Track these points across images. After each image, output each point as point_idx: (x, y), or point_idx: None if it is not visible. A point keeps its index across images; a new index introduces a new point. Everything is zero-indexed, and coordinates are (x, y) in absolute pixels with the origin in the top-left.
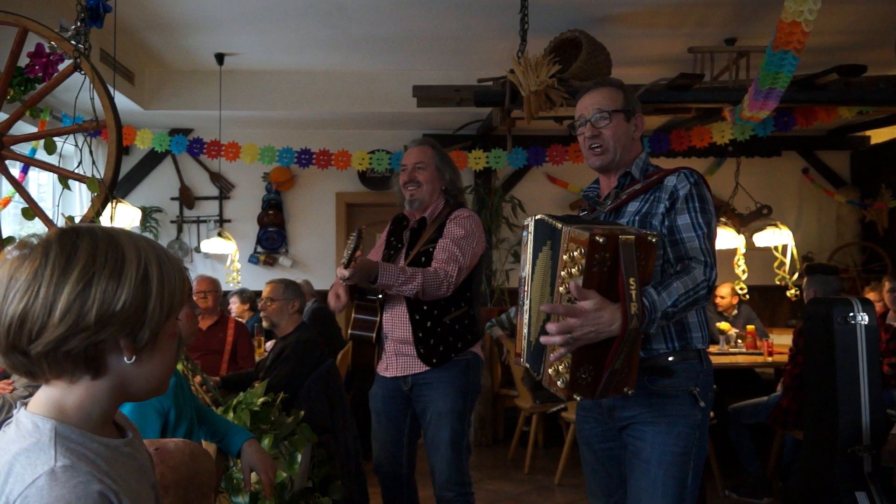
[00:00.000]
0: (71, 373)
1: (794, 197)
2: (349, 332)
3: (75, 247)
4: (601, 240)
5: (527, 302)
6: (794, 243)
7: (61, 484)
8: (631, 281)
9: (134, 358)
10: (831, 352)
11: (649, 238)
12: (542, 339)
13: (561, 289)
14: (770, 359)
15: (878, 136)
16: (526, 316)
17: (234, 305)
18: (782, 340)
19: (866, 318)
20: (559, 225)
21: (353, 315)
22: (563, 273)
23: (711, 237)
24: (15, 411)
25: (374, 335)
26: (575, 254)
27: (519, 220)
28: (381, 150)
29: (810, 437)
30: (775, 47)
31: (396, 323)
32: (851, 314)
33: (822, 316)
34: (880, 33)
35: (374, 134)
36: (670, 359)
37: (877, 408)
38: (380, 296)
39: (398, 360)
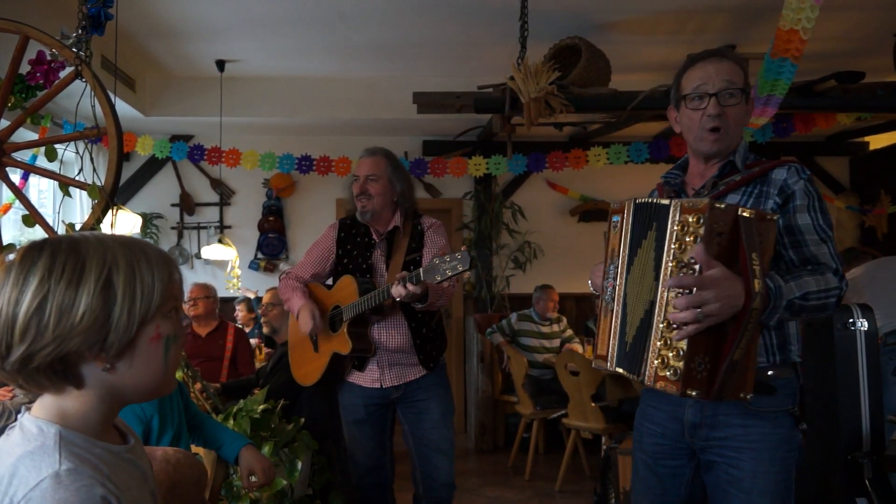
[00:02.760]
0: (50, 386)
1: None
2: (350, 349)
3: (34, 262)
4: (722, 206)
5: (618, 298)
6: None
7: (65, 487)
8: (754, 256)
9: (108, 367)
10: (831, 358)
11: (768, 216)
12: (672, 316)
13: (672, 264)
14: None
15: (877, 141)
16: (618, 316)
17: (240, 314)
18: None
19: (866, 323)
20: (666, 200)
21: (344, 330)
22: (674, 246)
23: (834, 244)
24: (19, 416)
25: (372, 348)
26: (691, 219)
27: (519, 227)
28: None
29: (811, 442)
30: (774, 55)
31: (393, 334)
32: (851, 320)
33: (822, 322)
34: (878, 40)
35: (375, 140)
36: (769, 373)
37: (877, 414)
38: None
39: (392, 369)
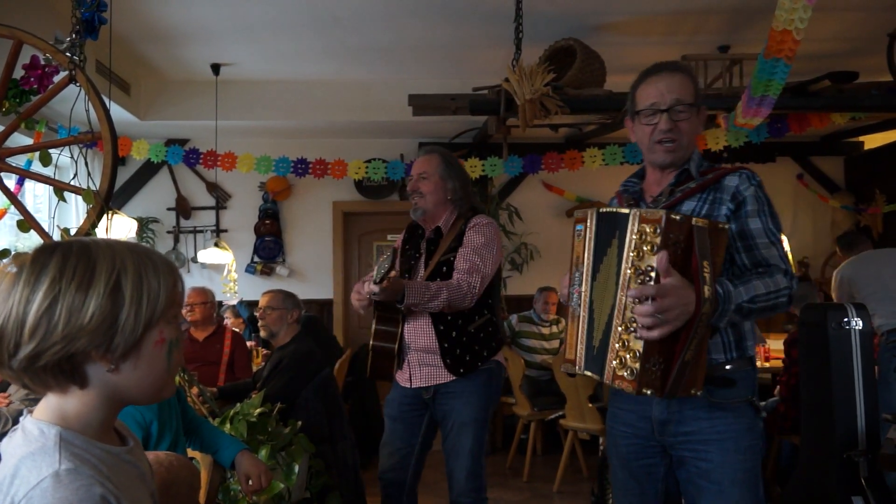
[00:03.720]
0: (55, 385)
1: (789, 202)
2: (371, 343)
3: (45, 264)
4: (677, 217)
5: (583, 305)
6: (789, 248)
7: (65, 486)
8: (705, 264)
9: (113, 367)
10: (826, 357)
11: (721, 225)
12: (640, 322)
13: (629, 271)
14: (767, 364)
15: (872, 141)
16: (584, 321)
17: (228, 321)
18: (779, 345)
19: (860, 323)
20: (626, 210)
21: (374, 326)
22: (632, 254)
23: (784, 245)
24: (21, 419)
25: (396, 346)
26: (648, 229)
27: (515, 228)
28: (378, 158)
29: (807, 442)
30: (767, 55)
31: (420, 334)
32: (846, 319)
33: (817, 321)
34: (872, 40)
35: (371, 143)
36: (728, 367)
37: (872, 412)
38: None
39: (422, 370)
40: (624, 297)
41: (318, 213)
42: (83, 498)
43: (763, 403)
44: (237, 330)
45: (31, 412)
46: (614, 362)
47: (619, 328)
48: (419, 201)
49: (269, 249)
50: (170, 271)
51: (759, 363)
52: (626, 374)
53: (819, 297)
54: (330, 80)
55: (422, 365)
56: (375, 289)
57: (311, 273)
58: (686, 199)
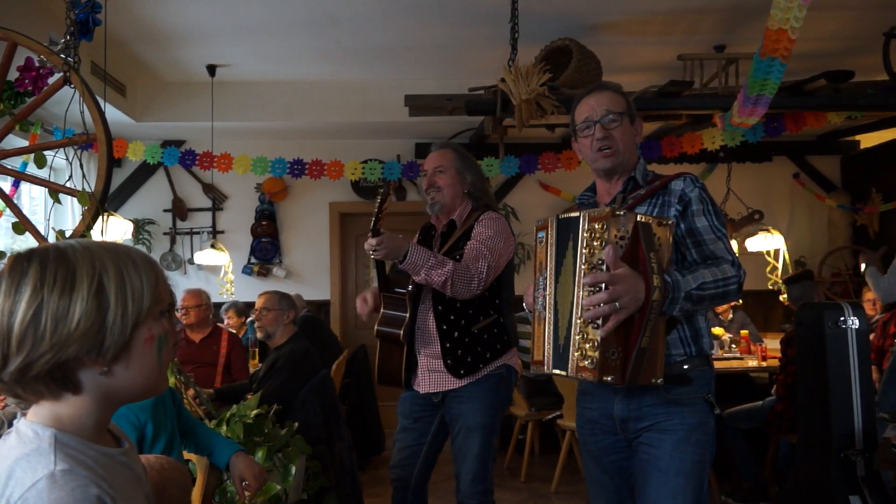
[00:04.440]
0: (47, 393)
1: (786, 202)
2: (376, 328)
3: (24, 274)
4: (622, 213)
5: (548, 307)
6: (786, 248)
7: (60, 487)
8: (651, 255)
9: (106, 370)
10: (823, 356)
11: (665, 221)
12: (592, 313)
13: (584, 267)
14: (764, 363)
15: (868, 140)
16: (550, 322)
17: (231, 320)
18: (776, 345)
19: (857, 322)
20: (575, 213)
21: (381, 310)
22: (584, 251)
23: (729, 241)
24: (14, 421)
25: (402, 332)
26: (597, 226)
27: (513, 229)
28: (374, 159)
29: (804, 441)
30: (762, 54)
31: (426, 335)
32: (842, 318)
33: (814, 321)
34: (867, 39)
35: (367, 143)
36: (685, 367)
37: (869, 411)
38: (409, 288)
39: (431, 375)
40: (581, 291)
41: (314, 214)
42: (79, 499)
43: (761, 403)
44: (234, 331)
45: (24, 415)
46: (576, 354)
47: (579, 321)
48: (436, 195)
49: (265, 251)
50: (150, 268)
51: (756, 362)
52: (587, 363)
53: (819, 297)
54: (326, 80)
55: (430, 371)
56: (374, 241)
57: (308, 274)
58: (637, 205)
